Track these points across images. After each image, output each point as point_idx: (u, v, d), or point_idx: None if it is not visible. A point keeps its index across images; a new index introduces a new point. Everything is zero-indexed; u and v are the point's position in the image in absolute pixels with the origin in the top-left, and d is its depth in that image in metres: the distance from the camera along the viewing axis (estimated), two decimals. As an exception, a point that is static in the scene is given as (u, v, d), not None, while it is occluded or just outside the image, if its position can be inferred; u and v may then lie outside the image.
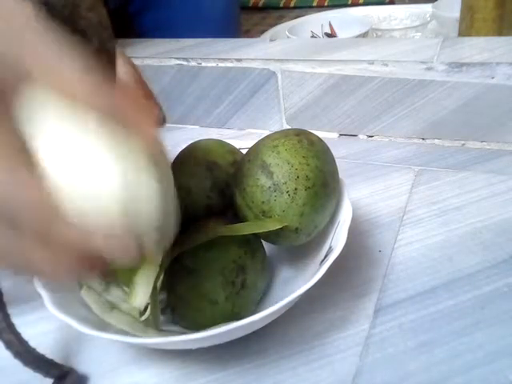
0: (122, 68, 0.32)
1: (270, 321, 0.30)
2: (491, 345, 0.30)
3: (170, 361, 0.32)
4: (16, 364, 0.28)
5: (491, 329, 0.31)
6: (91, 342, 0.34)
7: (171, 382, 0.31)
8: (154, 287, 0.32)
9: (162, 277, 0.32)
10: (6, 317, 0.29)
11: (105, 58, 0.26)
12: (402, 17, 0.93)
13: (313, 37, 0.88)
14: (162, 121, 0.35)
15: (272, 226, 0.31)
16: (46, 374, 0.29)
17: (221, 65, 0.57)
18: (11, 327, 0.28)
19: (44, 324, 0.35)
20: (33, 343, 0.29)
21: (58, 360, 0.30)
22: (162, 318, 0.33)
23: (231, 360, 0.31)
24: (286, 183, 0.31)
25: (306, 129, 0.35)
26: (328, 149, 0.34)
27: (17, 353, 0.28)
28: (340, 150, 0.52)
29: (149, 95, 0.34)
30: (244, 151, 0.37)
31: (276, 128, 0.57)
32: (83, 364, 0.33)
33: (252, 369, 0.31)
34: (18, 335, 0.28)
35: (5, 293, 0.30)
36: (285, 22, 0.96)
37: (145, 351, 0.33)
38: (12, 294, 0.32)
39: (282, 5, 1.45)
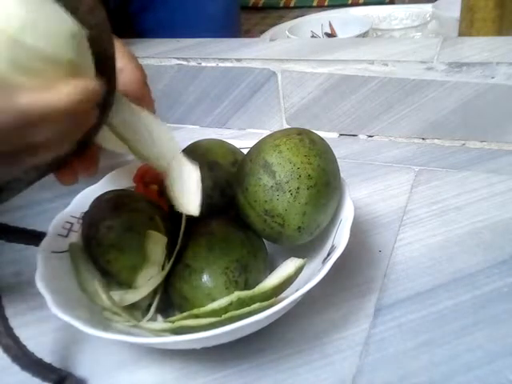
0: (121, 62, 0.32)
1: (272, 320, 0.30)
2: (491, 345, 0.30)
3: (170, 361, 0.32)
4: (15, 365, 0.28)
5: (491, 329, 0.31)
6: (90, 343, 0.34)
7: (171, 382, 0.31)
8: (157, 287, 0.32)
9: (164, 277, 0.32)
10: (5, 320, 0.29)
11: (104, 61, 0.25)
12: (402, 17, 0.93)
13: (313, 37, 0.88)
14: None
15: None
16: (44, 378, 0.29)
17: (221, 65, 0.57)
18: (9, 331, 0.28)
19: (43, 325, 0.35)
20: (31, 344, 0.29)
21: (56, 362, 0.30)
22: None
23: (231, 360, 0.31)
24: (288, 182, 0.31)
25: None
26: (329, 148, 0.34)
27: (15, 357, 0.28)
28: (340, 150, 0.52)
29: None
30: (244, 151, 0.37)
31: (276, 128, 0.57)
32: (82, 365, 0.32)
33: (252, 369, 0.31)
34: (16, 339, 0.28)
35: (3, 293, 0.30)
36: (285, 22, 0.95)
37: (144, 351, 0.33)
38: (11, 294, 0.32)
39: (282, 5, 1.46)
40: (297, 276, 0.31)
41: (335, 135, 0.56)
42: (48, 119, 0.21)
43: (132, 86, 0.32)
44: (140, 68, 0.33)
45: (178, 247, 0.32)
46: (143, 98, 0.33)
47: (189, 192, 0.29)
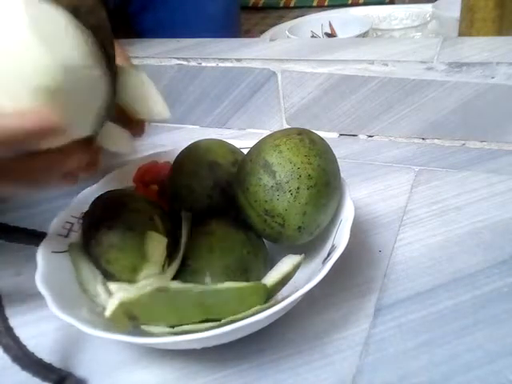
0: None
1: (272, 320, 0.30)
2: (491, 345, 0.30)
3: (171, 361, 0.32)
4: (15, 365, 0.28)
5: (491, 329, 0.31)
6: (90, 343, 0.34)
7: (172, 382, 0.31)
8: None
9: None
10: (5, 320, 0.28)
11: (105, 62, 0.25)
12: (402, 17, 0.93)
13: (313, 37, 0.88)
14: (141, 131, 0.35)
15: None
16: (44, 378, 0.29)
17: (221, 65, 0.57)
18: (9, 331, 0.28)
19: (43, 324, 0.35)
20: (31, 344, 0.29)
21: (56, 362, 0.30)
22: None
23: (231, 360, 0.31)
24: (288, 182, 0.31)
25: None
26: (329, 148, 0.34)
27: (15, 357, 0.28)
28: (340, 150, 0.52)
29: None
30: (244, 151, 0.37)
31: (276, 128, 0.57)
32: (82, 365, 0.32)
33: (252, 369, 0.31)
34: (16, 339, 0.28)
35: (3, 293, 0.30)
36: (285, 22, 0.95)
37: (144, 351, 0.33)
38: (10, 294, 0.32)
39: (282, 5, 1.46)
40: (295, 272, 0.31)
41: (335, 135, 0.56)
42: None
43: None
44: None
45: (181, 253, 0.32)
46: None
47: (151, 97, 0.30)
